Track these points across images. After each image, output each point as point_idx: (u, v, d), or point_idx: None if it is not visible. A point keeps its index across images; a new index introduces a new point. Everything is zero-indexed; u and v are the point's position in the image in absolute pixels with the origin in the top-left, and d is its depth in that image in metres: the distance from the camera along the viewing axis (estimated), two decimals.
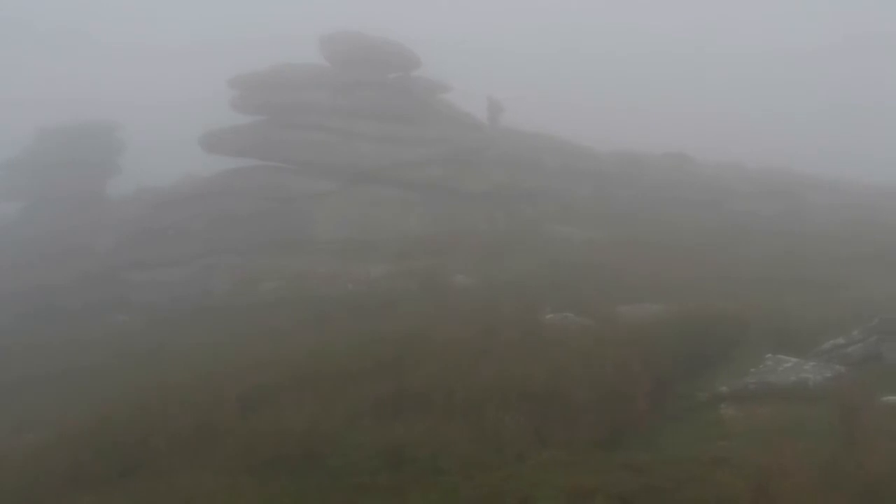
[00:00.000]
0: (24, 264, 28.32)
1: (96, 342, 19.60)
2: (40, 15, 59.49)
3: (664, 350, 11.43)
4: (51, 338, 21.21)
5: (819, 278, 18.38)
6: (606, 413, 9.06)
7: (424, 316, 15.69)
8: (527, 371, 9.95)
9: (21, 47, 55.01)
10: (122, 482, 8.55)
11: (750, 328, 12.92)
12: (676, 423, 9.29)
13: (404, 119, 29.92)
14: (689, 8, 62.77)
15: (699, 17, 62.40)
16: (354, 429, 9.03)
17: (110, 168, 34.97)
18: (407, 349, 12.13)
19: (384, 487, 7.72)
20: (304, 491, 7.70)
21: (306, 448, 8.53)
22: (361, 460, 8.22)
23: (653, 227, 25.81)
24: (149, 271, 26.79)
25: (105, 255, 28.31)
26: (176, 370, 14.10)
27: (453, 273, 21.39)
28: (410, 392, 10.16)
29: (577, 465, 7.84)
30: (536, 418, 9.10)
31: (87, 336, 20.80)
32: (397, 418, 9.29)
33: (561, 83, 50.99)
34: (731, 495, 6.36)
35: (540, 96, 46.13)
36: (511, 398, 9.45)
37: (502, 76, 47.61)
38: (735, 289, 17.50)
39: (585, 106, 47.37)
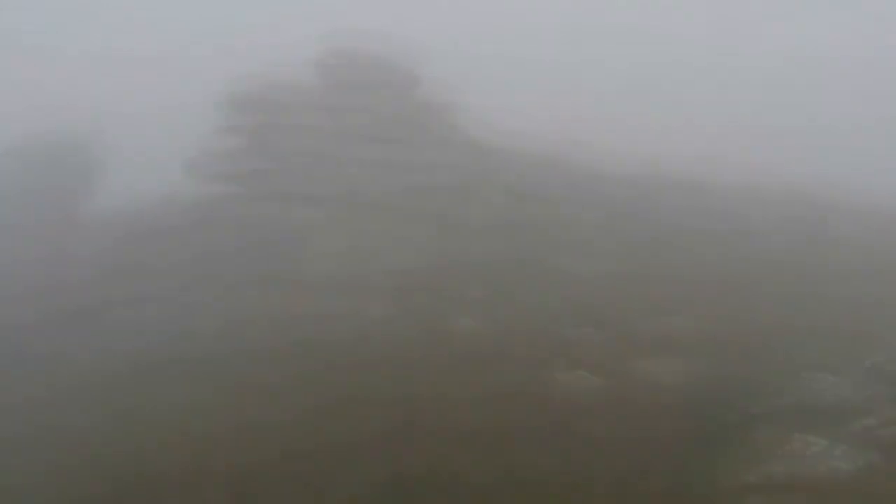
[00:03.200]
0: None
1: (65, 397, 18.86)
2: (17, 25, 59.73)
3: (686, 422, 11.59)
4: (13, 389, 20.00)
5: (847, 328, 18.51)
6: None
7: (427, 372, 15.81)
8: (538, 459, 10.07)
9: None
10: None
11: (774, 396, 13.09)
12: None
13: (403, 142, 30.09)
14: (710, 10, 63.14)
15: (719, 19, 62.72)
16: None
17: (84, 187, 34.69)
18: (408, 421, 12.25)
19: None
20: None
21: None
22: None
23: (668, 262, 25.88)
24: (124, 309, 26.38)
25: (76, 289, 27.83)
26: (155, 437, 14.08)
27: (457, 316, 21.47)
28: (410, 478, 10.27)
29: None
30: None
31: (54, 388, 19.72)
32: None
33: (574, 93, 51.17)
34: None
35: (550, 107, 46.27)
36: (522, 490, 9.57)
37: (509, 87, 47.76)
38: (756, 340, 17.65)
39: (597, 117, 47.59)
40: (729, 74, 59.52)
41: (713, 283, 22.84)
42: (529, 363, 15.99)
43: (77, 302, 27.59)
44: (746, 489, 9.66)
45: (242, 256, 27.71)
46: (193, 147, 30.62)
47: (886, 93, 53.09)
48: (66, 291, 27.94)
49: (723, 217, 29.89)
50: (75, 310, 26.97)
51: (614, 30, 64.58)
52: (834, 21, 61.62)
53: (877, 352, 16.93)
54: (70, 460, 13.99)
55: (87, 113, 43.41)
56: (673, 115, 50.94)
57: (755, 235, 28.62)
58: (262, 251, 27.81)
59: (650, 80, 57.55)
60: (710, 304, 20.65)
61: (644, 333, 18.31)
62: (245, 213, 28.83)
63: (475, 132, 32.12)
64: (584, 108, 50.75)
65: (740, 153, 42.92)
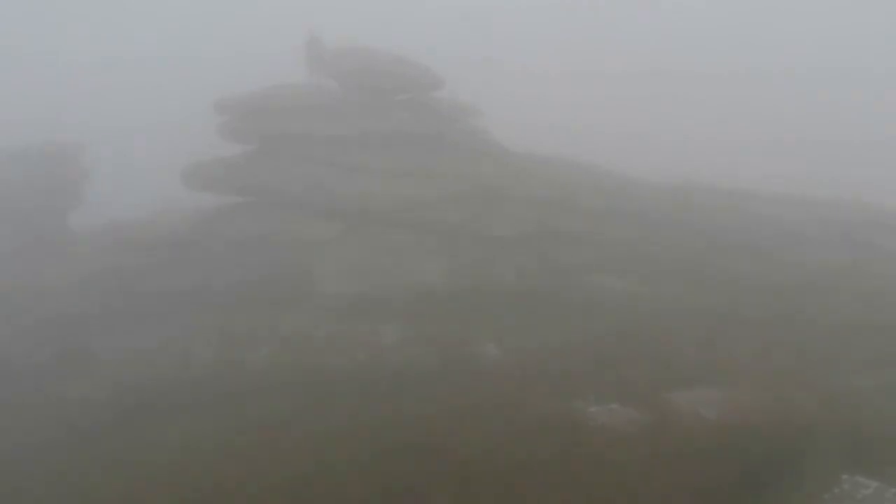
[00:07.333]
0: None
1: (51, 436, 19.00)
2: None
3: (725, 465, 11.86)
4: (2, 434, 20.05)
5: None
6: None
7: (447, 408, 15.96)
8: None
9: None
10: None
11: (821, 431, 13.32)
12: None
13: (421, 150, 30.41)
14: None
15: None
16: None
17: (73, 198, 34.96)
18: (426, 467, 12.35)
19: None
20: None
21: None
22: None
23: (706, 283, 26.01)
24: (117, 340, 26.51)
25: (64, 311, 28.07)
26: (151, 486, 14.21)
27: (479, 342, 21.73)
28: None
29: None
30: None
31: (39, 423, 20.04)
32: None
33: (597, 102, 51.92)
34: None
35: (574, 117, 46.94)
36: None
37: (531, 95, 48.39)
38: (801, 369, 17.81)
39: (624, 126, 48.24)
40: (768, 85, 59.98)
41: (758, 308, 22.97)
42: (558, 395, 16.21)
43: (61, 323, 27.36)
44: None
45: (244, 272, 28.07)
46: (195, 155, 31.06)
47: None
48: (49, 312, 27.64)
49: (765, 230, 29.87)
50: (59, 333, 26.89)
51: (643, 40, 65.28)
52: (872, 34, 62.23)
53: None
54: None
55: (83, 119, 44.24)
56: (706, 126, 51.52)
57: (800, 250, 28.69)
58: (267, 268, 28.19)
59: (683, 89, 58.16)
60: (755, 329, 20.82)
61: (682, 361, 18.48)
62: (250, 226, 29.14)
63: (498, 138, 32.41)
64: (610, 117, 51.31)
65: (781, 164, 43.24)
